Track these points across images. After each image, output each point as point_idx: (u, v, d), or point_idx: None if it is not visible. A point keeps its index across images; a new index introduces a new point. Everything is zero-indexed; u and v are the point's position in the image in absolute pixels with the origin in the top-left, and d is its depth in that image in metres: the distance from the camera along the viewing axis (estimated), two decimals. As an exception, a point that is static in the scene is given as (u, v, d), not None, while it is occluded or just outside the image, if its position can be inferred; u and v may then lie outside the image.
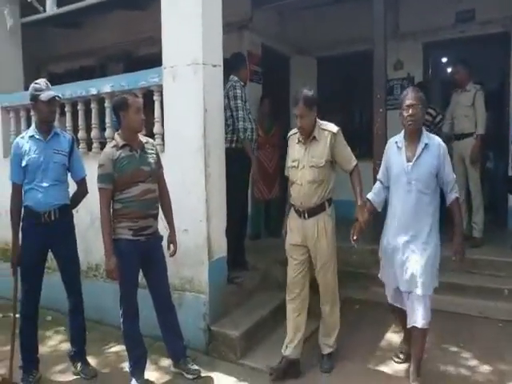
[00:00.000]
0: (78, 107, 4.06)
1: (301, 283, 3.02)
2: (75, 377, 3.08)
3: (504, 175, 5.52)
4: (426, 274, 2.67)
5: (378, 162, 4.50)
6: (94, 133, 3.99)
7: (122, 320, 2.87)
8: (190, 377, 2.99)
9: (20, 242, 2.97)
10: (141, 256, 2.82)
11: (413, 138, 2.74)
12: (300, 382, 2.95)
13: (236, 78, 3.90)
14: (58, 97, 3.03)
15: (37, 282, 3.00)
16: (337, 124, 2.96)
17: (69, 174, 3.13)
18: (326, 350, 3.10)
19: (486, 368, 3.01)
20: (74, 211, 3.19)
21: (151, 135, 3.47)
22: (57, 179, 2.99)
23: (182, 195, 3.27)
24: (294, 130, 3.03)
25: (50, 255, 3.06)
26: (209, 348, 3.32)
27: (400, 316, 2.98)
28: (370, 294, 4.08)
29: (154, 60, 3.58)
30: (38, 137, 2.99)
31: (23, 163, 2.94)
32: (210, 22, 3.29)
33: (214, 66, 3.37)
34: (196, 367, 3.04)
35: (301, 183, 2.91)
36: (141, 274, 2.93)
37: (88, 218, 3.76)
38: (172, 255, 3.01)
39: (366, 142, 5.40)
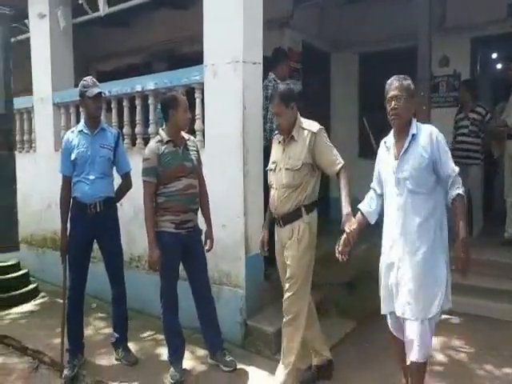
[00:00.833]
0: (124, 104, 4.22)
1: None
2: (117, 362, 3.21)
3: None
4: (418, 296, 2.20)
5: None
6: (138, 129, 4.13)
7: (162, 310, 2.96)
8: (226, 369, 3.04)
9: (68, 232, 3.14)
10: (182, 249, 2.90)
11: (400, 133, 2.33)
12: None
13: (272, 76, 3.89)
14: (103, 93, 3.16)
15: (83, 271, 3.15)
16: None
17: (114, 168, 3.26)
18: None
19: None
20: (118, 204, 3.32)
21: (192, 132, 3.55)
22: (103, 172, 3.13)
23: (220, 191, 3.33)
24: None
25: (96, 246, 3.21)
26: (244, 342, 3.37)
27: (397, 348, 2.45)
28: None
29: (196, 58, 3.66)
30: (86, 131, 3.15)
31: (72, 157, 3.10)
32: (250, 20, 3.32)
33: (254, 63, 3.40)
34: (232, 360, 3.09)
35: (276, 187, 2.72)
36: (181, 266, 3.01)
37: (131, 210, 3.90)
38: (208, 250, 3.08)
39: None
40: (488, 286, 3.88)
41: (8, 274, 4.48)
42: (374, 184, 2.54)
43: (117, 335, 3.25)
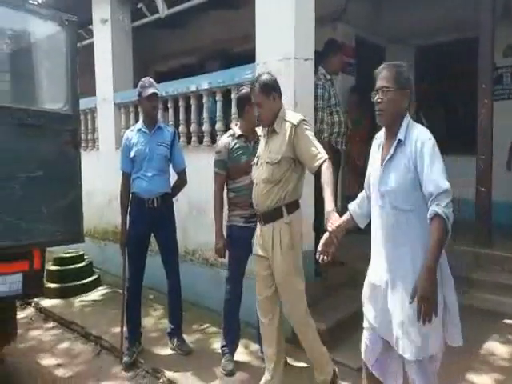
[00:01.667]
0: (179, 103, 4.36)
1: (268, 309, 2.67)
2: (172, 352, 3.34)
3: None
4: (408, 334, 1.84)
5: (482, 157, 4.21)
6: (193, 127, 4.25)
7: (224, 301, 3.01)
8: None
9: (127, 225, 3.30)
10: (251, 241, 2.89)
11: (389, 132, 1.98)
12: None
13: (322, 71, 3.80)
14: (157, 94, 3.28)
15: (141, 263, 3.31)
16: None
17: (170, 165, 3.38)
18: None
19: None
20: (173, 200, 3.45)
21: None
22: (160, 169, 3.26)
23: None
24: None
25: (153, 239, 3.36)
26: (294, 338, 3.38)
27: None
28: (469, 298, 3.81)
29: (248, 56, 3.71)
30: (144, 130, 3.29)
31: (131, 154, 3.25)
32: (302, 17, 3.31)
33: (306, 59, 3.39)
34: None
35: (257, 182, 2.60)
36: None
37: (186, 206, 4.03)
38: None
39: (469, 136, 5.02)
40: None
41: (74, 264, 4.79)
42: (365, 184, 2.19)
43: (172, 326, 3.38)
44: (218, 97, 3.99)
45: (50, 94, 2.96)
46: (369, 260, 2.54)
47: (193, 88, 4.13)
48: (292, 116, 2.54)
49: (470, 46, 4.59)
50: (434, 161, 1.79)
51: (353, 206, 2.24)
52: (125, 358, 3.22)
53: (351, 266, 4.12)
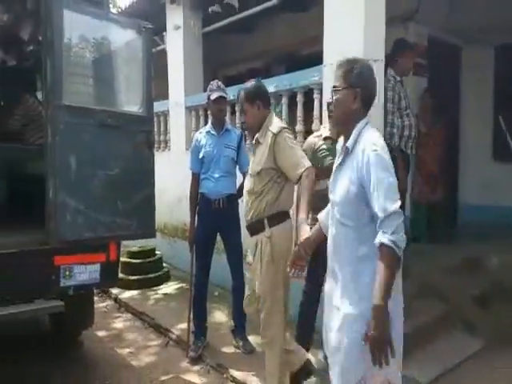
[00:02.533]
0: (246, 106, 4.44)
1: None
2: (235, 350, 3.40)
3: None
4: (340, 356, 1.68)
5: None
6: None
7: (300, 303, 2.99)
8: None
9: (196, 224, 3.43)
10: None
11: (343, 137, 1.79)
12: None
13: (391, 73, 3.66)
14: (224, 97, 3.36)
15: (207, 260, 3.42)
16: None
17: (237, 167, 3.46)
18: None
19: None
20: (239, 200, 3.52)
21: (309, 132, 3.60)
22: (226, 171, 3.35)
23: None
24: None
25: (219, 238, 3.45)
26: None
27: None
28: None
29: (314, 59, 3.69)
30: (212, 132, 3.40)
31: (200, 155, 3.37)
32: (372, 18, 3.23)
33: (376, 60, 3.30)
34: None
35: (245, 193, 2.56)
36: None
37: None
38: None
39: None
40: None
41: (146, 258, 5.04)
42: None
43: (236, 324, 3.45)
44: (284, 100, 4.01)
45: (127, 97, 3.14)
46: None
47: (259, 91, 4.19)
48: (274, 125, 2.45)
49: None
50: (381, 179, 1.56)
51: (322, 216, 2.03)
52: (191, 353, 3.34)
53: (422, 277, 3.92)
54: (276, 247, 2.41)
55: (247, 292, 2.65)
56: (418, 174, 4.78)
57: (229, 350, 3.42)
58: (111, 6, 3.21)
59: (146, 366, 3.31)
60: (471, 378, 2.89)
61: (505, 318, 3.45)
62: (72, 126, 2.60)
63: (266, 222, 2.42)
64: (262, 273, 2.43)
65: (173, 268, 5.31)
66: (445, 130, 4.97)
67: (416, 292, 3.77)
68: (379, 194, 1.55)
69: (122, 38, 2.96)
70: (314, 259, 2.92)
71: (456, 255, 4.32)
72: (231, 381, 3.04)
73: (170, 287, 4.92)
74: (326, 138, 2.91)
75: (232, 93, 4.31)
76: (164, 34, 5.62)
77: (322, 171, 2.86)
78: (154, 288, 4.86)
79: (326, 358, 3.02)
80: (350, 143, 1.69)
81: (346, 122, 1.73)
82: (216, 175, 3.32)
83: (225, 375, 3.10)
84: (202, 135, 3.45)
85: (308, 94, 3.78)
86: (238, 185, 3.46)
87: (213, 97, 3.31)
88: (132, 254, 4.98)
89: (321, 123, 3.60)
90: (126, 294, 4.70)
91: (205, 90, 3.86)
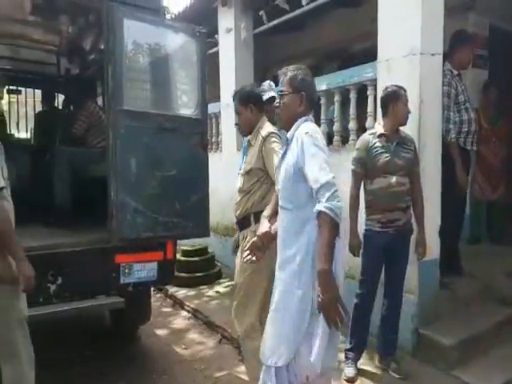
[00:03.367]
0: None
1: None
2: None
3: None
4: (269, 338, 1.87)
5: None
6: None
7: (354, 304, 2.95)
8: (396, 375, 2.93)
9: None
10: (387, 247, 2.85)
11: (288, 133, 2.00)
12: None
13: (448, 66, 3.52)
14: (275, 97, 3.35)
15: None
16: None
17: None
18: None
19: None
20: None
21: (363, 129, 3.53)
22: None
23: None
24: None
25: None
26: (415, 351, 3.20)
27: None
28: None
29: (365, 56, 3.61)
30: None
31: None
32: (430, 10, 3.12)
33: (433, 54, 3.19)
34: (402, 367, 2.98)
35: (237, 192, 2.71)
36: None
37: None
38: (419, 259, 2.99)
39: None
40: None
41: (199, 256, 5.16)
42: None
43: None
44: (336, 97, 3.96)
45: (182, 100, 3.23)
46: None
47: (311, 90, 4.16)
48: (264, 129, 2.59)
49: None
50: (313, 155, 1.75)
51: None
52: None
53: (482, 280, 3.74)
54: None
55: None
56: (478, 170, 4.54)
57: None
58: (166, 12, 3.31)
59: (201, 361, 3.39)
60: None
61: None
62: (132, 129, 2.72)
63: (252, 218, 2.57)
64: (240, 265, 2.57)
65: (224, 266, 5.39)
66: (507, 125, 4.68)
67: (477, 295, 3.62)
68: (313, 169, 1.73)
69: (178, 43, 3.05)
70: (368, 260, 2.89)
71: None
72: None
73: (222, 285, 5.01)
74: (380, 136, 2.85)
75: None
76: (216, 36, 5.71)
77: (377, 169, 2.82)
78: (207, 286, 4.96)
79: (380, 361, 3.00)
80: (290, 134, 1.93)
81: (292, 121, 1.93)
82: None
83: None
84: (252, 136, 3.48)
85: (361, 90, 3.71)
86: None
87: (265, 97, 3.32)
88: (186, 253, 5.12)
89: (375, 120, 3.52)
90: (180, 292, 4.83)
91: (255, 91, 3.88)
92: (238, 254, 2.66)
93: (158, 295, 4.94)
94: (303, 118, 1.92)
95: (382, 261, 2.90)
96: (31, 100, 6.19)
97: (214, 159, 5.65)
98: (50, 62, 4.98)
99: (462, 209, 3.84)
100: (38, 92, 5.76)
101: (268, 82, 3.47)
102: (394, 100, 2.81)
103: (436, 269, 3.33)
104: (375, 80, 3.47)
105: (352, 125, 3.81)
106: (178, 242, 3.34)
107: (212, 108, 5.69)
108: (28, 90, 6.06)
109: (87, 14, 3.62)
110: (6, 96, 5.90)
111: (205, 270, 5.11)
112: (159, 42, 3.00)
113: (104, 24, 2.67)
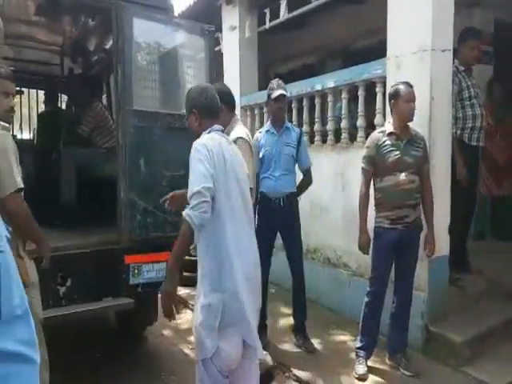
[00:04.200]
0: (303, 103, 4.41)
1: None
2: (296, 349, 3.38)
3: None
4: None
5: None
6: (317, 127, 4.27)
7: (364, 302, 2.96)
8: (407, 373, 2.92)
9: (256, 222, 3.44)
10: (396, 244, 2.84)
11: None
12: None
13: (456, 62, 3.52)
14: (284, 95, 3.34)
15: (265, 259, 3.41)
16: None
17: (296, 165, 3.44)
18: None
19: None
20: (298, 198, 3.50)
21: (372, 126, 3.51)
22: (286, 169, 3.34)
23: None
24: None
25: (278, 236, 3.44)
26: (425, 348, 3.19)
27: None
28: None
29: (370, 53, 3.60)
30: (272, 131, 3.40)
31: (260, 155, 3.38)
32: (440, 5, 3.10)
33: (443, 50, 3.17)
34: (412, 364, 2.97)
35: None
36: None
37: (308, 205, 4.07)
38: (429, 256, 2.98)
39: None
40: None
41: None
42: None
43: (296, 322, 3.44)
44: (344, 94, 3.94)
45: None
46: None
47: (318, 87, 4.15)
48: (233, 132, 2.64)
49: None
50: (192, 167, 1.90)
51: None
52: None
53: (490, 276, 3.74)
54: None
55: None
56: (483, 166, 4.54)
57: (290, 348, 3.41)
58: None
59: (210, 361, 3.37)
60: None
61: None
62: (141, 129, 2.70)
63: None
64: None
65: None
66: (513, 122, 4.67)
67: (485, 292, 3.61)
68: (190, 179, 1.89)
69: (186, 41, 3.04)
70: (378, 257, 2.87)
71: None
72: (294, 380, 3.03)
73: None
74: (390, 134, 2.84)
75: (288, 90, 4.29)
76: (219, 34, 5.69)
77: (386, 167, 2.80)
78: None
79: (390, 358, 2.99)
80: None
81: (199, 134, 2.07)
82: (277, 174, 3.32)
83: (286, 374, 3.09)
84: (262, 134, 3.46)
85: (369, 88, 3.69)
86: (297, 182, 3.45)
87: (274, 95, 3.30)
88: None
89: (384, 118, 3.51)
90: (186, 290, 4.81)
91: (259, 90, 3.87)
92: None
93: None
94: (206, 131, 2.07)
95: (391, 258, 2.89)
96: (31, 100, 6.18)
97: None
98: (53, 63, 4.96)
99: (472, 206, 3.83)
100: (37, 92, 5.73)
101: (276, 80, 3.44)
102: (394, 97, 2.82)
103: (446, 266, 3.32)
104: (384, 77, 3.46)
105: (360, 122, 3.79)
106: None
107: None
108: (28, 90, 6.03)
109: (94, 13, 3.59)
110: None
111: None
112: (168, 41, 2.99)
113: (113, 23, 2.65)
